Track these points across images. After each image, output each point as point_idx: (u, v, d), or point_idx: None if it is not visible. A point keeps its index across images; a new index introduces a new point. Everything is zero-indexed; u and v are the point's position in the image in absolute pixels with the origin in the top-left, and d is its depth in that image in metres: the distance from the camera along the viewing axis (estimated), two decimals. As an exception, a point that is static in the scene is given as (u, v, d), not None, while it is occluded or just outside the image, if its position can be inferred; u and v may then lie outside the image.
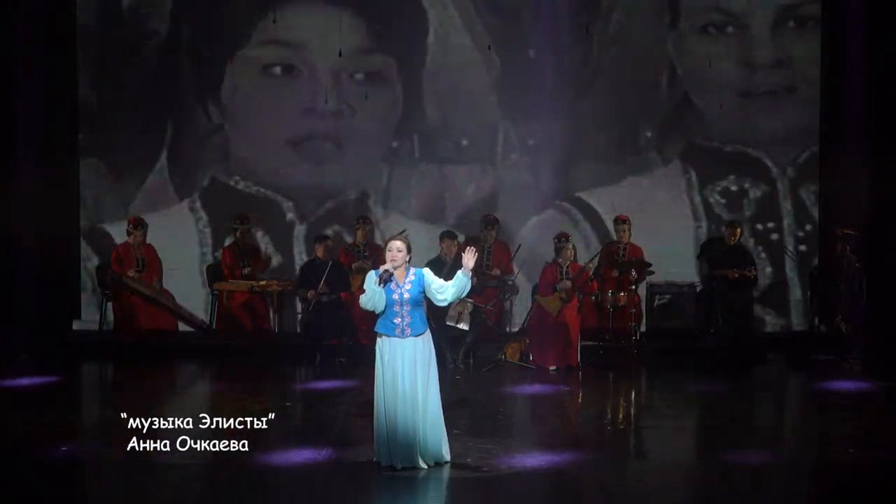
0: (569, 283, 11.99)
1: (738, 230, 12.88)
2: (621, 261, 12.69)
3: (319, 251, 12.22)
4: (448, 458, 7.91)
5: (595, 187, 13.62)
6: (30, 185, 13.32)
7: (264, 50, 13.62)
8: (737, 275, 12.67)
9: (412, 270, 7.85)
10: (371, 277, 7.80)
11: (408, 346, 7.76)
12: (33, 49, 13.41)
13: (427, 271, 7.88)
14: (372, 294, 7.72)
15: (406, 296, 7.75)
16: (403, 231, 12.23)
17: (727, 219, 13.26)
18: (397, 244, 7.83)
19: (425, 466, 7.75)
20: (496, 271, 12.65)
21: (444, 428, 7.91)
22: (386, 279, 7.68)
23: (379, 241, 13.13)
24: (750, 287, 12.87)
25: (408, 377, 7.72)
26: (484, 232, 12.90)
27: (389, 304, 7.74)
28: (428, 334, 7.84)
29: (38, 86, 13.46)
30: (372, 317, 12.68)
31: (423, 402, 7.75)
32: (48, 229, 13.51)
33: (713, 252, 12.93)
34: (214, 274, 13.21)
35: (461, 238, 12.76)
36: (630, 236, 12.85)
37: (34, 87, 13.42)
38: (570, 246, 12.24)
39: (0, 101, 13.08)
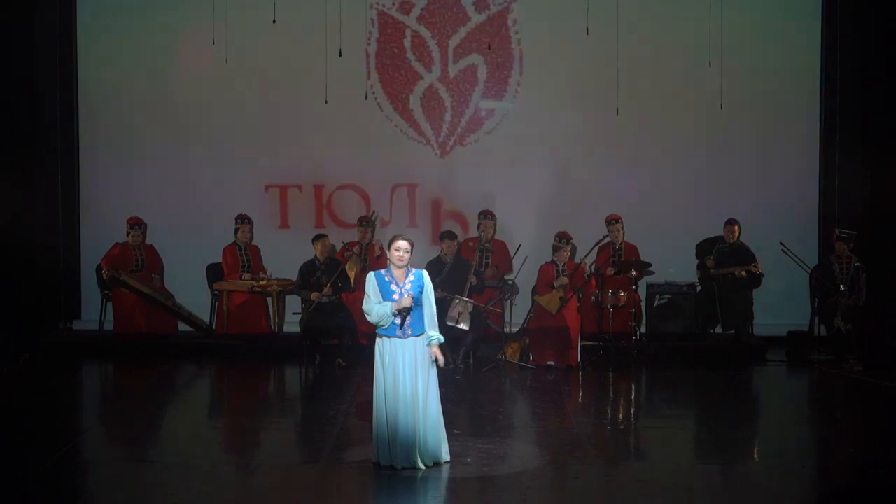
0: (566, 279, 11.99)
1: (737, 227, 12.87)
2: (618, 260, 12.69)
3: (318, 250, 12.21)
4: (447, 458, 7.91)
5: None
6: (30, 186, 13.36)
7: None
8: (744, 273, 12.66)
9: (412, 271, 7.84)
10: (371, 281, 7.77)
11: (408, 346, 7.76)
12: (34, 49, 13.45)
13: (426, 274, 7.88)
14: (383, 316, 7.70)
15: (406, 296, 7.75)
16: (373, 213, 12.33)
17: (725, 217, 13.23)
18: (404, 244, 7.80)
19: (423, 467, 7.75)
20: (492, 269, 12.65)
21: (444, 428, 7.91)
22: (404, 316, 7.69)
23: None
24: (752, 286, 12.84)
25: (408, 377, 7.71)
26: (482, 224, 12.90)
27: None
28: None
29: (39, 86, 13.50)
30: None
31: (423, 402, 7.75)
32: (48, 229, 13.54)
33: (715, 251, 12.90)
34: (214, 274, 13.21)
35: (460, 238, 12.81)
36: (624, 235, 12.86)
37: (34, 87, 13.47)
38: (569, 247, 12.22)
39: (0, 102, 13.13)
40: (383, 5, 13.36)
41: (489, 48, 13.35)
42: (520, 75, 13.65)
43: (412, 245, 7.85)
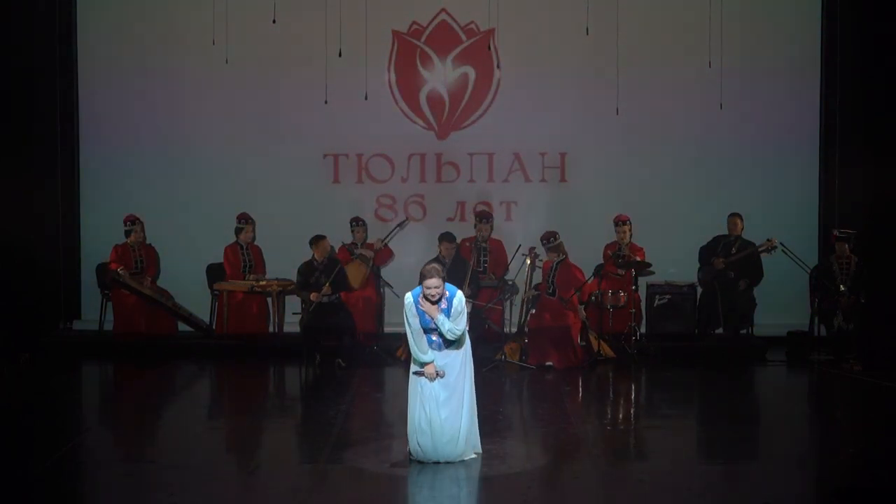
0: (532, 293, 12.15)
1: (740, 220, 12.86)
2: (623, 261, 12.68)
3: (316, 252, 12.19)
4: (479, 450, 8.10)
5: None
6: (30, 186, 13.35)
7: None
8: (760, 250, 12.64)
9: (445, 296, 7.86)
10: (409, 308, 7.83)
11: (449, 354, 7.96)
12: (34, 49, 13.46)
13: (459, 297, 7.89)
14: (415, 359, 7.95)
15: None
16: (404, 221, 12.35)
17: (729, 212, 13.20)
18: (434, 282, 7.77)
19: (463, 459, 7.92)
20: (490, 277, 12.66)
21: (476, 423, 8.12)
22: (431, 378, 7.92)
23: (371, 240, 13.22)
24: (756, 275, 12.83)
25: (451, 377, 7.93)
26: (479, 226, 12.92)
27: (426, 328, 7.88)
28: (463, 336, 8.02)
29: (39, 85, 13.50)
30: (371, 318, 12.80)
31: (469, 395, 7.98)
32: (48, 229, 13.54)
33: (722, 245, 12.86)
34: (214, 274, 13.21)
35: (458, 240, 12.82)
36: (630, 236, 12.85)
37: (35, 86, 13.47)
38: (558, 243, 12.20)
39: (0, 102, 13.13)
40: (401, 29, 13.89)
41: (489, 48, 13.50)
42: (496, 92, 13.81)
43: (442, 279, 7.80)
